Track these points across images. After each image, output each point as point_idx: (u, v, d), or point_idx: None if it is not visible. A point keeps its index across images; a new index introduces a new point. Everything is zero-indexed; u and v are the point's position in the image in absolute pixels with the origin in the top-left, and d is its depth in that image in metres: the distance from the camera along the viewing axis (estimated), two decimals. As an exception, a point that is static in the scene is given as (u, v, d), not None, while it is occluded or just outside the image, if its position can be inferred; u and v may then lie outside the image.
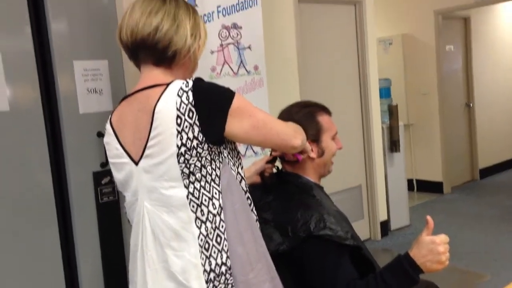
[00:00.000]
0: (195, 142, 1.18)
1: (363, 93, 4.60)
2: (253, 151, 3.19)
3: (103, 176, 2.16)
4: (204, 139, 1.19)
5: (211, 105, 1.20)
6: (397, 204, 4.96)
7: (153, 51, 1.28)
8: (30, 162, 2.01)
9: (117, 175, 1.35)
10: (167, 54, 1.28)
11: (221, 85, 1.25)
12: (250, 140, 1.30)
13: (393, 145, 4.91)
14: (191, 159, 1.19)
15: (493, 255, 4.10)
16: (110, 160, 1.36)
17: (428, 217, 1.41)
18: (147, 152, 1.23)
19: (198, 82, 1.22)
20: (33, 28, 2.01)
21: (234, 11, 3.11)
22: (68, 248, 2.13)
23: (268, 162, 1.67)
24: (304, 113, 1.60)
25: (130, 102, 1.31)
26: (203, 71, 2.99)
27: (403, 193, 5.05)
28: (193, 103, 1.18)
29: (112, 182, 2.12)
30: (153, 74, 1.29)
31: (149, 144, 1.22)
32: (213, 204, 1.24)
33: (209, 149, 1.21)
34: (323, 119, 1.62)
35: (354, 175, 4.61)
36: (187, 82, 1.21)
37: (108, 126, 1.36)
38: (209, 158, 1.22)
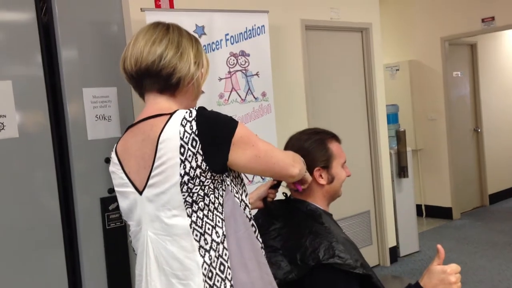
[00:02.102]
0: (198, 171, 1.18)
1: (371, 119, 4.60)
2: (261, 177, 3.18)
3: (110, 202, 2.16)
4: (207, 167, 1.19)
5: (215, 134, 1.20)
6: (406, 230, 4.91)
7: (157, 79, 1.28)
8: (38, 187, 2.02)
9: (122, 204, 1.36)
10: (171, 81, 1.28)
11: (225, 114, 1.24)
12: (251, 169, 1.30)
13: (401, 170, 4.89)
14: (194, 188, 1.19)
15: (507, 284, 4.03)
16: (115, 188, 1.37)
17: (439, 246, 1.39)
18: (151, 181, 1.23)
19: (202, 111, 1.22)
20: (43, 55, 2.04)
21: (242, 39, 3.14)
22: (75, 273, 2.12)
23: (271, 187, 1.66)
24: (314, 140, 1.60)
25: (135, 132, 1.31)
26: (211, 98, 3.01)
27: (412, 219, 5.00)
28: (196, 132, 1.18)
29: (119, 208, 2.12)
30: (157, 102, 1.30)
31: (153, 173, 1.22)
32: (216, 232, 1.23)
33: (212, 177, 1.21)
34: (333, 146, 1.61)
35: (363, 200, 4.58)
36: (191, 112, 1.21)
37: (113, 155, 1.37)
38: (212, 187, 1.22)
